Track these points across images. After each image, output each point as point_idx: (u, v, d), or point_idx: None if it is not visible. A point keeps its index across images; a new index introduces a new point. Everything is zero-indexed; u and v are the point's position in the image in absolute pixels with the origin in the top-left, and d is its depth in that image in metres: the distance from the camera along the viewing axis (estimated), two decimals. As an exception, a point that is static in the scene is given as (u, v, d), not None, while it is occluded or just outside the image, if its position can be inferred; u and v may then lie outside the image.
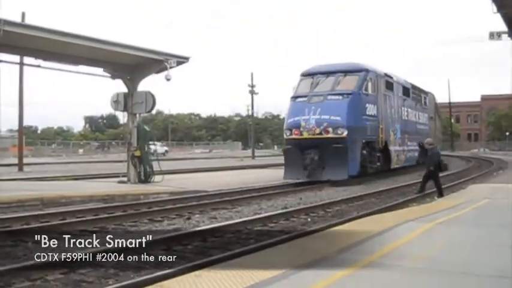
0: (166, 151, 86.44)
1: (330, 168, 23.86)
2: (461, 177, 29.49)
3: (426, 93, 40.19)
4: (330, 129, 24.18)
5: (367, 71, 26.58)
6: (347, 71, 26.15)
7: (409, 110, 34.08)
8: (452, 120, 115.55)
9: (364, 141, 25.73)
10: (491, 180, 26.35)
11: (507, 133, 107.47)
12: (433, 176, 19.18)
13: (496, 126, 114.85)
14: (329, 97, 24.95)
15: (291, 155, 25.34)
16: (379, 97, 27.66)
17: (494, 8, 15.03)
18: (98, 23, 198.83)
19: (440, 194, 18.84)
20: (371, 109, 26.54)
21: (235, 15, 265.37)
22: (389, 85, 29.67)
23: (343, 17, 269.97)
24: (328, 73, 26.33)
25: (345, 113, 24.38)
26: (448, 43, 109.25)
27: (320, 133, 24.26)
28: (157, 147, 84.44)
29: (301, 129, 24.66)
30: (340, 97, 24.99)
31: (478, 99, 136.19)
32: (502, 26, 18.19)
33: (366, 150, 25.85)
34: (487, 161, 49.55)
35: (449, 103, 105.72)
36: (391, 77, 30.22)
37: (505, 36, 19.98)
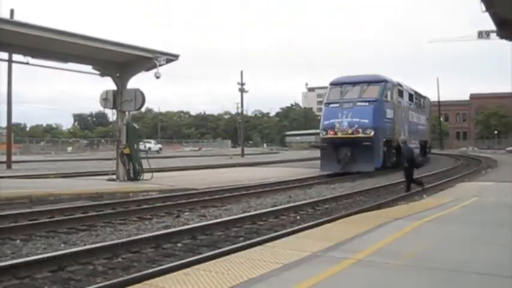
0: (160, 149, 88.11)
1: (360, 162, 28.79)
2: (450, 175, 29.63)
3: (424, 97, 46.41)
4: (360, 130, 29.25)
5: (385, 81, 32.04)
6: (370, 82, 31.54)
7: (413, 113, 39.96)
8: (442, 119, 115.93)
9: (384, 140, 30.57)
10: (479, 178, 26.45)
11: (496, 132, 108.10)
12: (407, 171, 19.83)
13: (485, 125, 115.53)
14: (358, 103, 30.02)
15: (327, 151, 30.09)
16: (394, 103, 33.10)
17: (483, 7, 15.07)
18: (98, 22, 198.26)
19: (408, 189, 19.60)
20: (389, 113, 31.83)
21: (227, 13, 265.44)
22: (400, 93, 34.99)
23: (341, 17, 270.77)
24: (354, 83, 31.72)
25: (371, 116, 29.51)
26: (438, 42, 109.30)
27: (352, 133, 29.24)
28: (152, 145, 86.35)
29: (336, 130, 29.75)
30: (367, 103, 30.13)
31: (467, 97, 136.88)
32: (491, 25, 18.25)
33: (385, 147, 30.67)
34: (476, 159, 49.79)
35: (439, 102, 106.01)
36: (401, 86, 35.66)
37: (493, 35, 20.08)
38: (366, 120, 29.41)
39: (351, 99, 30.51)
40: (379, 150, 29.68)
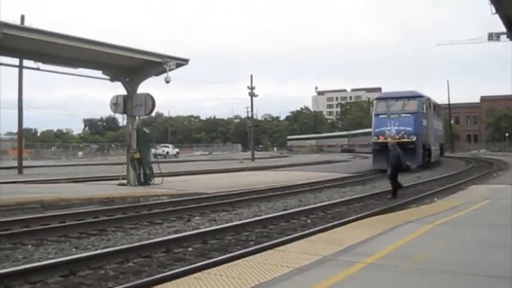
0: (177, 153, 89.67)
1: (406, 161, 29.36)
2: (461, 178, 29.56)
3: (440, 106, 53.11)
4: (405, 136, 36.39)
5: (421, 96, 39.88)
6: (410, 97, 39.19)
7: (435, 121, 46.80)
8: (452, 122, 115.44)
9: (422, 143, 37.97)
10: (491, 181, 26.35)
11: (507, 134, 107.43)
12: (393, 176, 20.07)
13: (496, 127, 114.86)
14: (402, 115, 37.62)
15: (378, 152, 35.40)
16: (427, 114, 40.40)
17: (493, 9, 14.98)
18: (110, 29, 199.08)
19: (394, 195, 19.64)
20: (424, 122, 39.24)
21: (235, 17, 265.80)
22: (428, 105, 41.90)
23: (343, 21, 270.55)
24: (397, 98, 39.51)
25: (413, 125, 37.08)
26: (447, 44, 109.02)
27: (399, 138, 34.78)
28: (169, 149, 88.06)
29: (385, 136, 36.15)
30: (409, 115, 37.56)
31: (477, 100, 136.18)
32: (502, 27, 18.14)
33: (423, 149, 38.11)
34: (487, 162, 49.60)
35: (449, 104, 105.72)
36: (430, 99, 43.15)
37: (503, 37, 19.97)
38: (410, 128, 36.95)
39: (396, 111, 37.98)
40: (419, 152, 37.07)
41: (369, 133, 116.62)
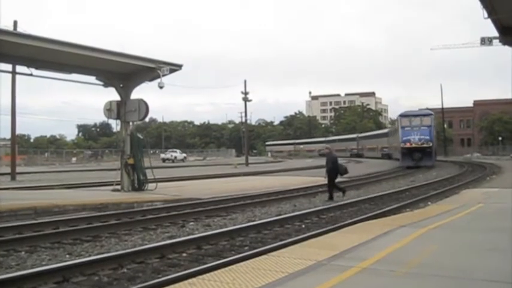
0: (185, 157, 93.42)
1: (424, 160, 49.81)
2: (455, 182, 29.66)
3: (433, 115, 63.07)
4: (425, 142, 51.05)
5: (432, 114, 56.43)
6: (425, 115, 55.25)
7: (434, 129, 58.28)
8: (446, 125, 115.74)
9: (434, 148, 53.30)
10: (484, 185, 26.43)
11: (500, 138, 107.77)
12: (330, 179, 20.66)
13: (489, 131, 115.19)
14: (421, 127, 52.25)
15: (405, 154, 51.24)
16: (434, 126, 56.04)
17: (485, 14, 15.03)
18: (101, 32, 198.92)
19: (330, 198, 20.26)
20: (433, 132, 53.93)
21: (229, 22, 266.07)
22: (433, 119, 56.07)
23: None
24: (416, 115, 54.60)
25: (429, 135, 52.13)
26: (440, 48, 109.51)
27: (420, 144, 50.84)
28: (177, 154, 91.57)
29: (411, 142, 51.23)
30: (426, 128, 52.45)
31: (470, 104, 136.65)
32: (494, 32, 18.20)
33: (434, 152, 53.15)
34: (480, 165, 49.77)
35: (442, 108, 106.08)
36: (433, 114, 57.71)
37: (496, 42, 20.04)
38: (428, 137, 51.88)
39: (416, 125, 52.64)
40: (433, 154, 52.36)
41: (349, 139, 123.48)
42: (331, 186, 20.73)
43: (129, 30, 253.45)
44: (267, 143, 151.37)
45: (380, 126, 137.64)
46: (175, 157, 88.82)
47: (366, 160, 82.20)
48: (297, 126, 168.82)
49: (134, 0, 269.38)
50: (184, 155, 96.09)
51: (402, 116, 55.44)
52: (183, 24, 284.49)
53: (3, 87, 32.17)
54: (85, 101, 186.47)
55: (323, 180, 30.38)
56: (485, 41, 22.99)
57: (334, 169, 20.86)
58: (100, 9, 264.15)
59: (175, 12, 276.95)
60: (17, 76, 30.73)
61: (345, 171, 21.60)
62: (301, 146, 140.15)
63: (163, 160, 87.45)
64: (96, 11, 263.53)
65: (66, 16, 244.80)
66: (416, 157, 49.82)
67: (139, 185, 23.10)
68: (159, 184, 23.66)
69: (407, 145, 51.05)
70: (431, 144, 51.05)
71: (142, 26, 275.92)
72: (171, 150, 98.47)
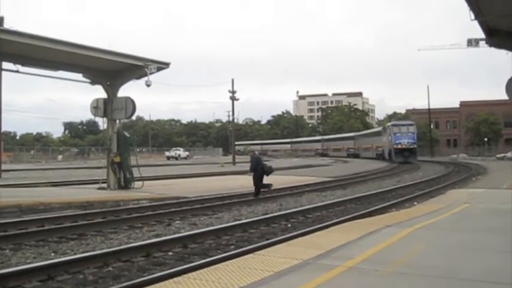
0: (187, 155, 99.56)
1: (411, 158, 65.45)
2: (441, 182, 29.81)
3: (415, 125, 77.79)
4: (411, 144, 68.09)
5: (414, 124, 73.63)
6: (409, 125, 72.13)
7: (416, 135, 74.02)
8: (432, 126, 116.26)
9: (417, 148, 70.76)
10: (470, 185, 26.60)
11: (486, 139, 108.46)
12: (256, 178, 21.40)
13: (475, 132, 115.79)
14: (408, 134, 68.95)
15: (398, 153, 66.74)
16: (415, 132, 71.52)
17: (472, 16, 15.09)
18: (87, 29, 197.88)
19: (256, 195, 21.03)
20: (416, 136, 70.67)
21: (216, 21, 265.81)
22: (415, 127, 73.13)
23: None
24: (403, 125, 72.44)
25: (414, 139, 69.43)
26: (427, 49, 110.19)
27: (408, 146, 67.50)
28: (181, 152, 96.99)
29: (401, 144, 67.54)
30: (412, 134, 69.38)
31: (457, 105, 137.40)
32: (481, 33, 18.28)
33: (417, 152, 70.87)
34: (466, 166, 50.07)
35: (429, 109, 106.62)
36: (415, 124, 75.04)
37: (482, 43, 20.13)
38: (413, 141, 68.99)
39: (405, 132, 69.83)
40: (417, 153, 70.13)
41: (310, 141, 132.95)
42: (258, 184, 21.44)
43: (118, 28, 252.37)
44: (236, 143, 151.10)
45: (367, 126, 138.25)
46: (179, 155, 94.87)
47: (352, 160, 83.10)
48: (284, 126, 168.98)
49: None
50: (187, 153, 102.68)
51: (393, 125, 74.44)
52: (172, 23, 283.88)
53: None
54: (72, 99, 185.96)
55: (309, 179, 30.74)
56: (472, 43, 23.09)
57: (258, 169, 21.64)
58: (89, 7, 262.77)
59: (164, 10, 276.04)
60: (3, 72, 30.49)
61: (270, 170, 22.26)
62: (267, 147, 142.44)
63: (168, 158, 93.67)
64: (85, 8, 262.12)
65: (54, 12, 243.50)
66: (405, 155, 66.58)
67: (125, 183, 23.04)
68: (145, 182, 23.61)
69: (399, 146, 68.30)
70: (415, 146, 69.68)
71: (131, 24, 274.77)
72: (175, 148, 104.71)
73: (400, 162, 61.22)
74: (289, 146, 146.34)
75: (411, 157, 65.76)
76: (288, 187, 25.51)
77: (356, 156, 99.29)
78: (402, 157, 65.34)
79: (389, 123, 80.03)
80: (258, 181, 21.46)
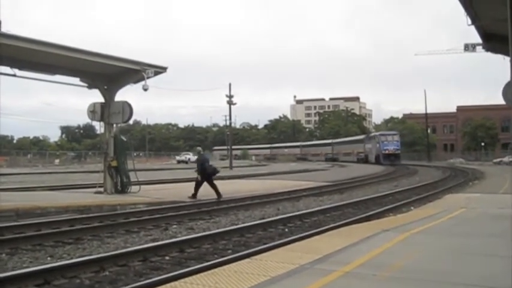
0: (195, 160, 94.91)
1: (396, 161, 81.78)
2: (438, 187, 29.84)
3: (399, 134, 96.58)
4: (396, 150, 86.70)
5: (398, 133, 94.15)
6: (394, 134, 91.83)
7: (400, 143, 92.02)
8: (429, 131, 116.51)
9: (400, 153, 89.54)
10: (467, 190, 26.67)
11: (483, 143, 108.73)
12: (200, 181, 21.74)
13: (472, 137, 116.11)
14: (393, 141, 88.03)
15: (385, 157, 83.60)
16: (399, 140, 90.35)
17: (469, 21, 15.12)
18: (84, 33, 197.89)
19: (194, 195, 21.39)
20: (399, 144, 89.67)
21: (212, 24, 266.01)
22: (399, 136, 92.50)
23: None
24: (389, 134, 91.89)
25: (399, 145, 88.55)
26: (424, 54, 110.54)
27: (394, 151, 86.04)
28: (191, 156, 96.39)
29: (388, 150, 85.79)
30: (396, 141, 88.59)
31: (454, 109, 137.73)
32: (477, 38, 18.31)
33: (400, 156, 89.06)
34: (463, 171, 50.16)
35: (426, 114, 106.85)
36: (399, 133, 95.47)
37: (479, 48, 20.16)
38: (397, 147, 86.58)
39: (391, 140, 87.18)
40: (400, 157, 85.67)
41: (293, 146, 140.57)
42: (199, 185, 21.75)
43: (115, 32, 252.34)
44: (214, 148, 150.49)
45: (364, 131, 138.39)
46: (189, 159, 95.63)
47: (349, 164, 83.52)
48: (281, 130, 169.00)
49: (120, 1, 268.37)
50: (196, 157, 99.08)
51: (381, 135, 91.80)
52: (169, 27, 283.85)
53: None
54: (69, 103, 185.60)
55: (306, 184, 30.74)
56: (469, 48, 23.09)
57: (204, 169, 21.97)
58: (86, 10, 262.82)
59: (162, 15, 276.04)
60: (0, 76, 30.44)
61: (214, 171, 22.55)
62: (249, 151, 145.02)
63: (178, 162, 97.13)
64: (82, 11, 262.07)
65: (51, 15, 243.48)
66: (392, 159, 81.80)
67: (122, 188, 23.00)
68: (142, 187, 23.59)
69: (387, 152, 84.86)
70: (399, 151, 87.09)
71: (128, 28, 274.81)
72: (185, 152, 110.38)
73: (387, 164, 73.83)
74: (268, 151, 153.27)
75: (396, 160, 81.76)
76: (285, 191, 25.50)
77: (335, 160, 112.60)
78: (389, 160, 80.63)
79: (376, 133, 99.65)
80: (209, 181, 21.86)
